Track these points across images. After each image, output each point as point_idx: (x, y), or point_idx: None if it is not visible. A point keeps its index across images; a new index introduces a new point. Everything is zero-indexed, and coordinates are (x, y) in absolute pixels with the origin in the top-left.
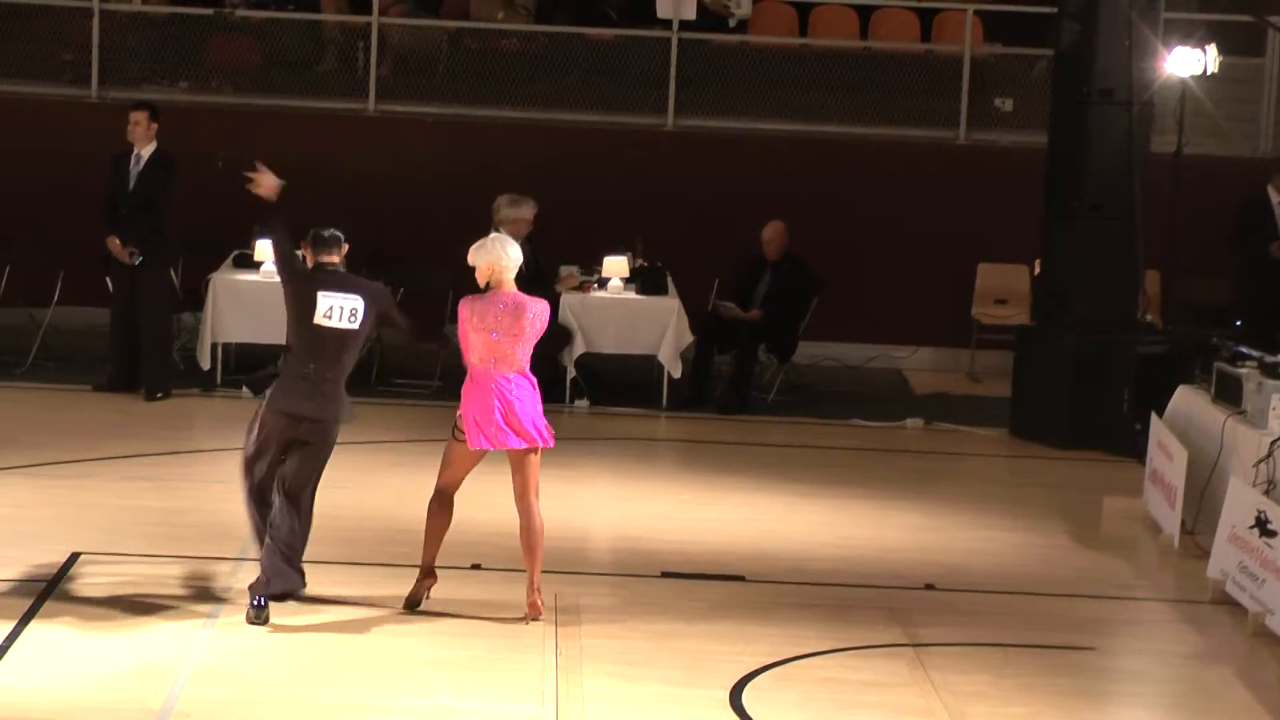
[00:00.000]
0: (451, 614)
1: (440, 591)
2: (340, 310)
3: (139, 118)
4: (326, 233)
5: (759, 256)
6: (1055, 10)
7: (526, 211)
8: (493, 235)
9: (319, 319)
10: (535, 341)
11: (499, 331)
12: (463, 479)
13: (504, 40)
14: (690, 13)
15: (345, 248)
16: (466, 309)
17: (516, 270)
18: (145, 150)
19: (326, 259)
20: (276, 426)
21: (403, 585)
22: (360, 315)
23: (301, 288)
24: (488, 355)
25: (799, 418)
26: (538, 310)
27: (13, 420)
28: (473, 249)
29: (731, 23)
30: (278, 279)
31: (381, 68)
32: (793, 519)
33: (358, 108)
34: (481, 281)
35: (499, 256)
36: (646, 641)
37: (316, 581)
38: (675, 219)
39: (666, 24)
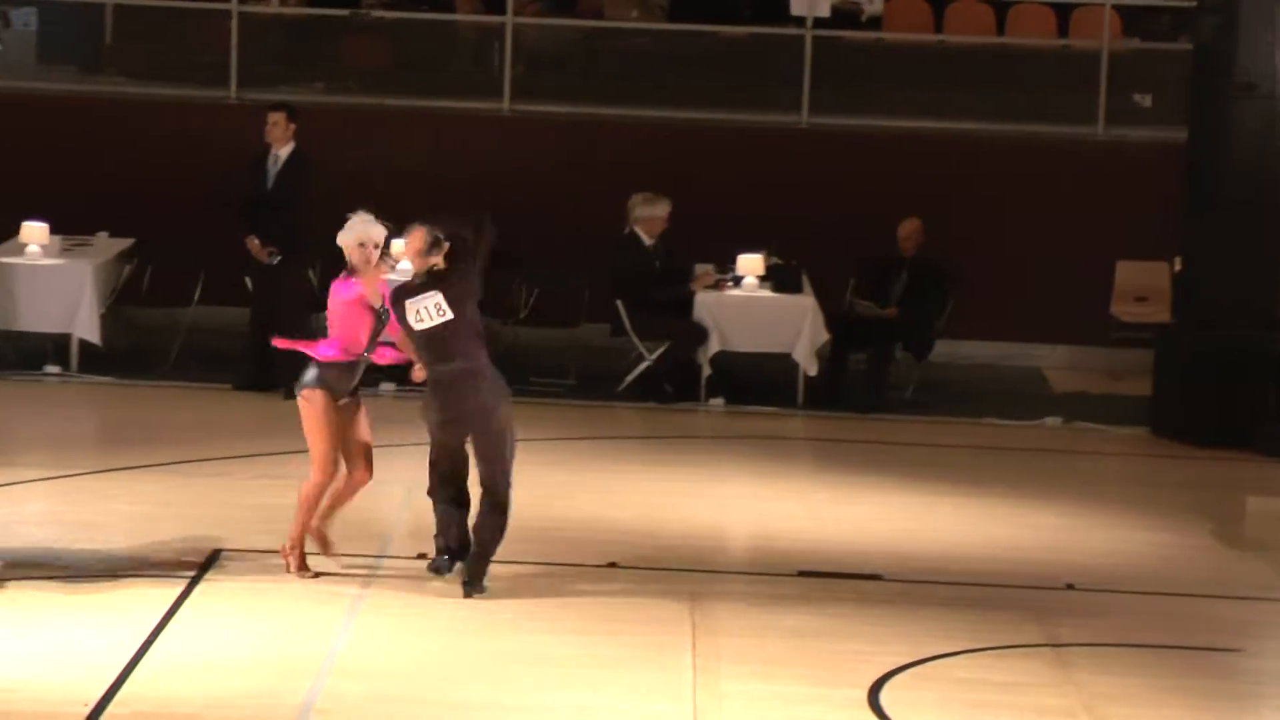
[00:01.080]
0: (588, 612)
1: (577, 589)
2: (425, 310)
3: (277, 118)
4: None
5: (895, 254)
6: (1195, 3)
7: (661, 210)
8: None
9: (414, 325)
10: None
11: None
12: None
13: (637, 39)
14: (824, 10)
15: (445, 246)
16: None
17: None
18: (283, 151)
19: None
20: (438, 437)
21: (541, 583)
22: (445, 306)
23: (395, 305)
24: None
25: (935, 416)
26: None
27: (155, 419)
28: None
29: (864, 19)
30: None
31: (515, 67)
32: (929, 518)
33: (492, 107)
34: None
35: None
36: (783, 641)
37: (453, 577)
38: (810, 216)
39: (800, 21)
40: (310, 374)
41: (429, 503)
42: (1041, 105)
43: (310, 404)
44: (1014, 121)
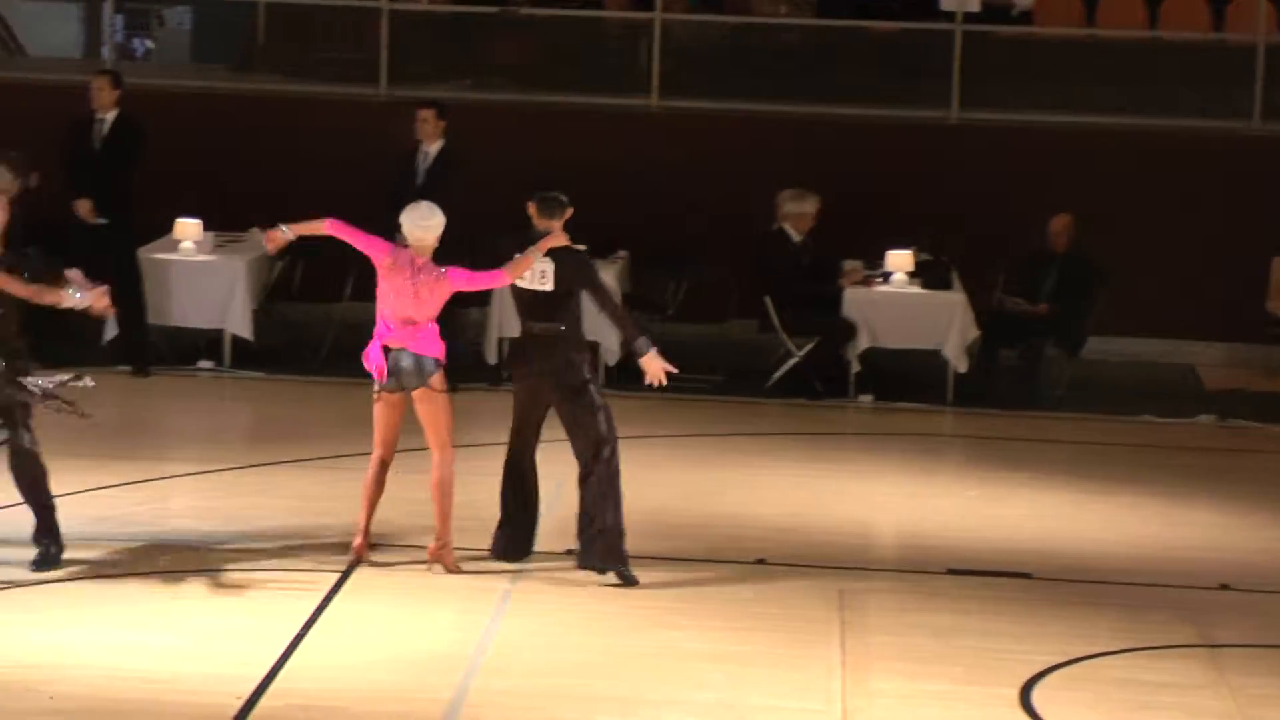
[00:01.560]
0: (736, 609)
1: (723, 586)
2: (533, 273)
3: (427, 115)
4: (550, 195)
5: (1046, 250)
6: None
7: (809, 206)
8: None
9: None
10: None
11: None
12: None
13: (786, 34)
14: (974, 4)
15: (568, 211)
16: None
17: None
18: (433, 147)
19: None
20: (520, 398)
21: (689, 579)
22: (550, 276)
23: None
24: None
25: (1087, 414)
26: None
27: (306, 415)
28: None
29: (1015, 13)
30: None
31: (664, 63)
32: (1081, 516)
33: (640, 103)
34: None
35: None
36: (933, 639)
37: (600, 575)
38: (960, 212)
39: (950, 16)
40: (435, 363)
41: (574, 497)
42: (1195, 99)
43: (442, 393)
44: (1167, 116)
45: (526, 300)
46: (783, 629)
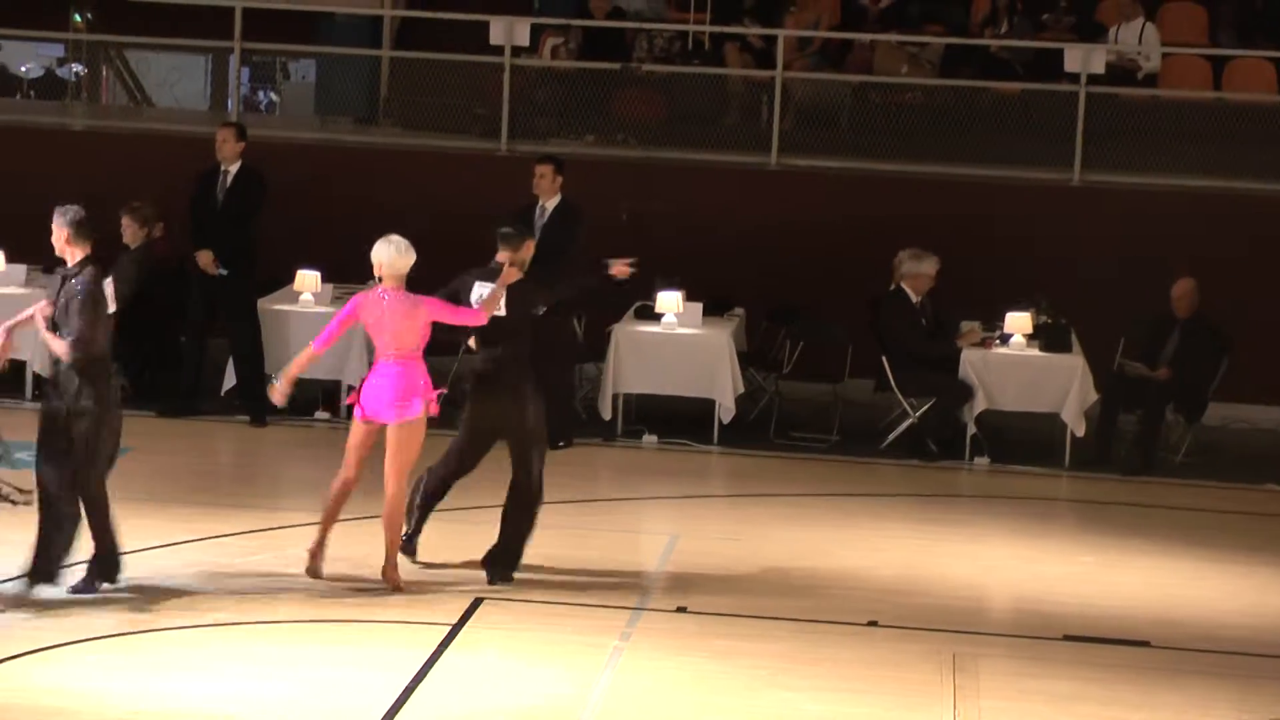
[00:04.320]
0: (847, 671)
1: (836, 647)
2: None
3: (545, 170)
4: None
5: (1167, 314)
6: None
7: (929, 267)
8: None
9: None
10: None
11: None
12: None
13: (907, 93)
14: (1099, 65)
15: (529, 242)
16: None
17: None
18: (550, 203)
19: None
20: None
21: (800, 639)
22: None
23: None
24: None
25: (1207, 481)
26: None
27: (422, 466)
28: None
29: (1140, 75)
30: (680, 330)
31: (784, 121)
32: (1199, 585)
33: (760, 161)
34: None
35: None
36: (1047, 706)
37: (712, 631)
38: (1081, 274)
39: (1074, 77)
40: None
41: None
42: None
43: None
44: None
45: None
46: (896, 692)
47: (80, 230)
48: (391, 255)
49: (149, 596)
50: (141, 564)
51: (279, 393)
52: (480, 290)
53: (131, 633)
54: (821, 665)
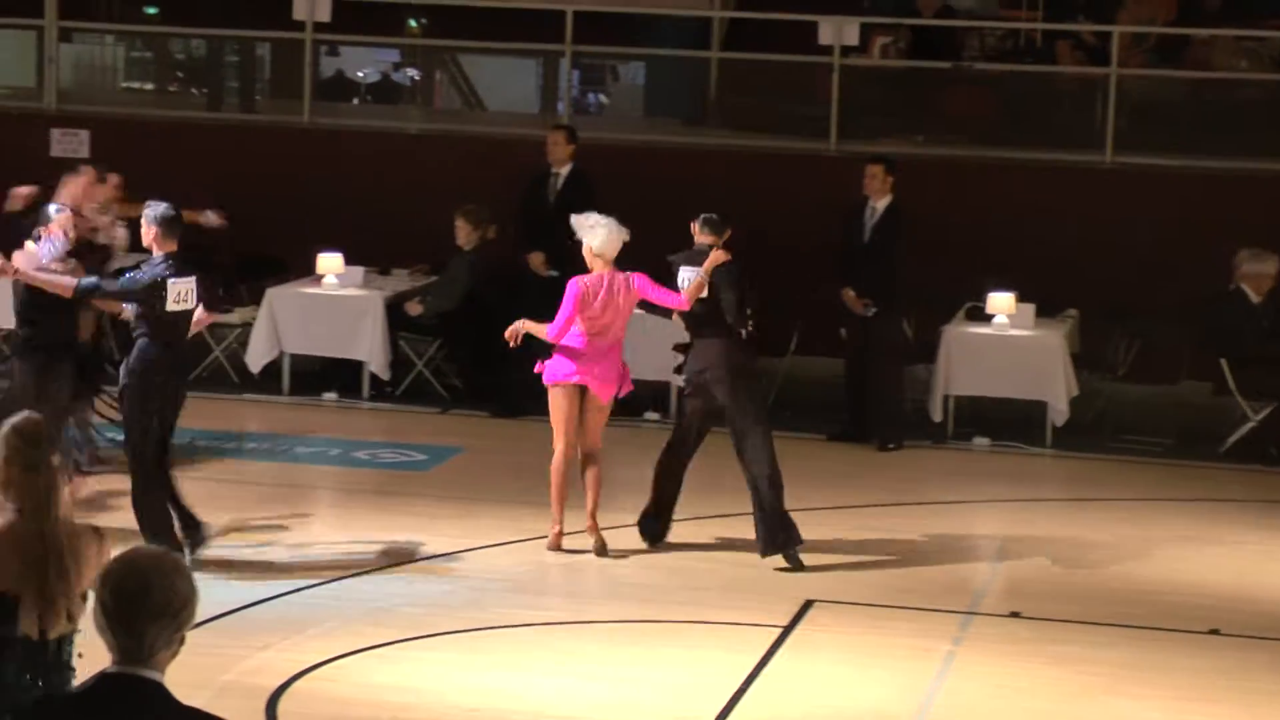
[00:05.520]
0: (1187, 679)
1: (1174, 655)
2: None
3: (875, 171)
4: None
5: None
6: None
7: (1269, 266)
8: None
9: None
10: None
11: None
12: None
13: (1245, 89)
14: None
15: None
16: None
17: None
18: (880, 203)
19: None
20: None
21: (1139, 646)
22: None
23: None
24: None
25: None
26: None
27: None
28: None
29: None
30: (1012, 332)
31: (1118, 119)
32: None
33: (1093, 159)
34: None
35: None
36: None
37: (1046, 637)
38: None
39: None
40: None
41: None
42: None
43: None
44: None
45: (694, 311)
46: (1239, 702)
47: (169, 227)
48: (615, 236)
49: (483, 595)
50: (475, 562)
51: (513, 331)
52: (686, 275)
53: (466, 630)
54: (1160, 673)
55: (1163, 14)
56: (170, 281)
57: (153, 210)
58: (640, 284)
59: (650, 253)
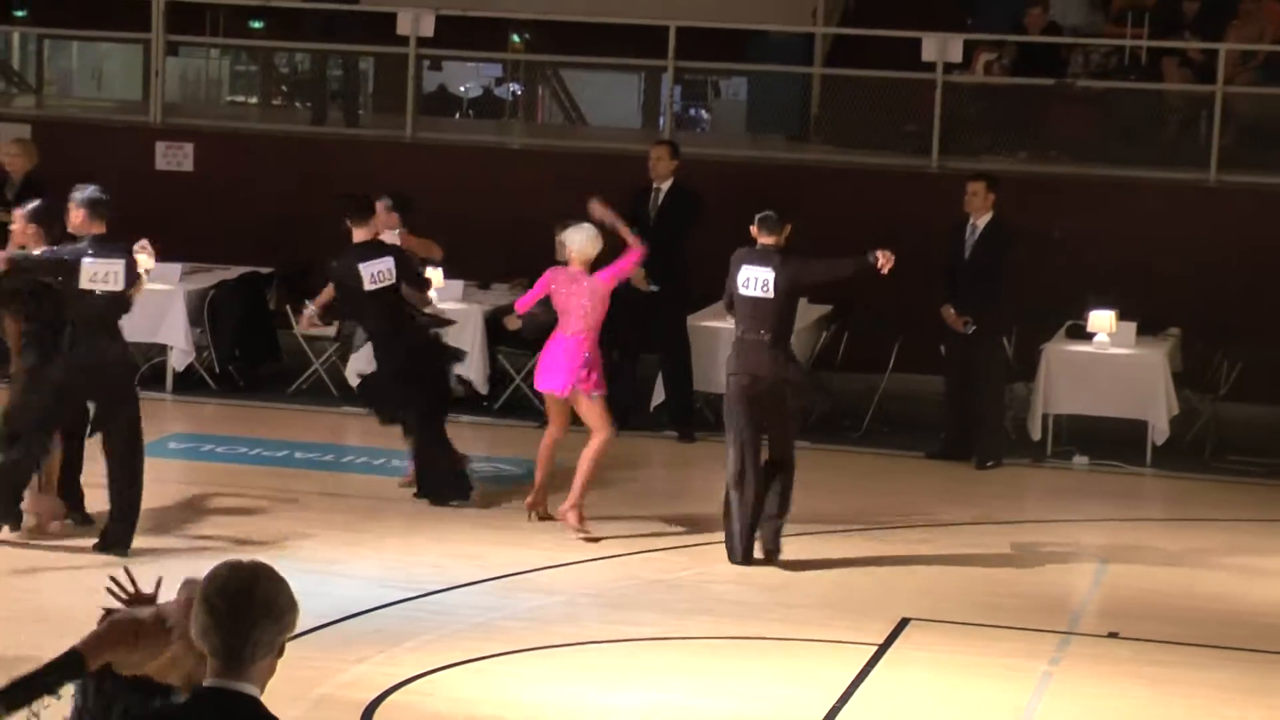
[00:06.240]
0: (1236, 702)
1: (1275, 678)
2: (754, 281)
3: (976, 188)
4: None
5: None
6: None
7: None
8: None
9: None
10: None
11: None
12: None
13: None
14: None
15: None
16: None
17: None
18: (981, 220)
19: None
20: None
21: (1236, 669)
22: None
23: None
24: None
25: None
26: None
27: (847, 483)
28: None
29: None
30: (1113, 350)
31: (1224, 136)
32: None
33: (1198, 177)
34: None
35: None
36: None
37: (1145, 658)
38: None
39: None
40: None
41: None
42: None
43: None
44: None
45: (746, 308)
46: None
47: (94, 209)
48: (584, 243)
49: (578, 610)
50: (570, 577)
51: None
52: (748, 273)
53: (561, 645)
54: (1262, 696)
55: (1271, 31)
56: (85, 260)
57: (80, 193)
58: (601, 276)
59: None
